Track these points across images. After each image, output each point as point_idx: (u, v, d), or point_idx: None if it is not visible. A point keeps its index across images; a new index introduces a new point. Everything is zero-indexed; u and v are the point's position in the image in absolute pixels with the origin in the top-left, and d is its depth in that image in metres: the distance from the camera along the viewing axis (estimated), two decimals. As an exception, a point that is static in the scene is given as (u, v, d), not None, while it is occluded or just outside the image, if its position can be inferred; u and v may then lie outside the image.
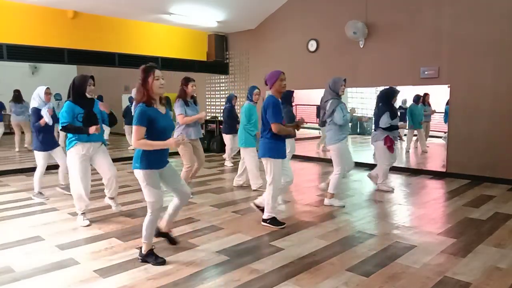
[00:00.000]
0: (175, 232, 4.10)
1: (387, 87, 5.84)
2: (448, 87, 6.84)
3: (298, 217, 4.62)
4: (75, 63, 9.36)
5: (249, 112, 5.75)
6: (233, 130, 7.59)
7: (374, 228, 4.24)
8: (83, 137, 4.16)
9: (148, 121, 2.99)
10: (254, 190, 5.84)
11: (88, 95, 4.26)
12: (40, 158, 5.32)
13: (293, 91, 6.71)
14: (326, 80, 8.37)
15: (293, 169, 6.92)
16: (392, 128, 5.48)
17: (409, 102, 8.83)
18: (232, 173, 7.43)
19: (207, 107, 11.11)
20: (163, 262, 3.24)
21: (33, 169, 7.60)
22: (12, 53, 7.18)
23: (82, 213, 4.34)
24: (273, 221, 4.21)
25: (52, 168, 7.84)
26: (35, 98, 5.19)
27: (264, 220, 4.24)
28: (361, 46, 7.76)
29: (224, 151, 8.48)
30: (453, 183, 6.40)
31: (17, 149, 10.06)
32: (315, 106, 10.35)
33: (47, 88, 5.32)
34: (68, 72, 15.03)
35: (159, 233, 3.58)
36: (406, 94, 9.60)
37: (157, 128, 3.03)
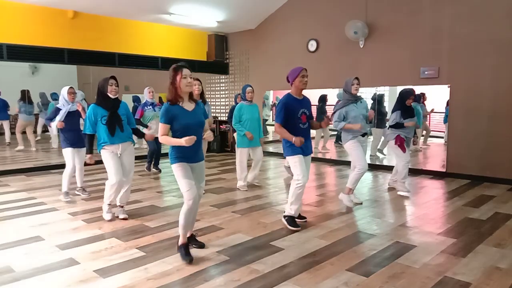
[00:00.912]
0: (177, 231, 4.11)
1: (406, 87, 5.76)
2: (448, 87, 6.84)
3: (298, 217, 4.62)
4: (75, 63, 9.34)
5: (238, 111, 5.83)
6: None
7: (374, 228, 4.24)
8: (110, 140, 4.25)
9: (170, 119, 3.16)
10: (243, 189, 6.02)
11: (111, 95, 4.26)
12: (68, 155, 5.30)
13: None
14: (326, 80, 8.48)
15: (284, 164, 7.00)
16: (398, 126, 5.42)
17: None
18: (234, 173, 7.43)
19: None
20: (189, 261, 3.28)
21: (33, 169, 7.66)
22: (12, 53, 7.17)
23: (109, 204, 4.46)
24: (289, 220, 4.18)
25: (52, 168, 7.87)
26: (61, 100, 5.26)
27: (284, 216, 4.25)
28: (361, 46, 7.76)
29: (224, 151, 8.48)
30: (453, 183, 6.40)
31: (21, 147, 10.09)
32: (315, 106, 10.37)
33: (70, 87, 5.32)
34: (68, 72, 15.03)
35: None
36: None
37: (180, 125, 3.17)
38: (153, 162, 7.44)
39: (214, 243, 3.77)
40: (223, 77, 10.70)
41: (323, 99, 9.50)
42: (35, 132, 11.35)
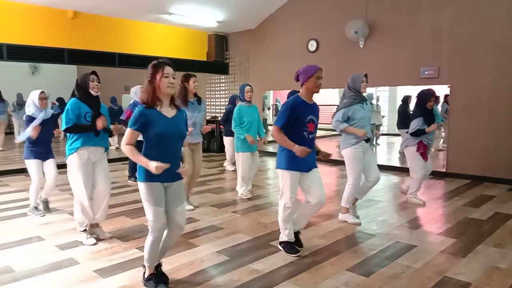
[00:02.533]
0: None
1: (424, 88, 5.19)
2: (448, 87, 6.84)
3: (298, 217, 4.62)
4: (75, 63, 9.36)
5: (238, 113, 5.41)
6: (233, 133, 7.54)
7: (374, 228, 4.23)
8: (89, 140, 3.66)
9: (143, 125, 2.60)
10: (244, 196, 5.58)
11: (93, 92, 3.71)
12: (33, 168, 4.60)
13: (299, 91, 6.57)
14: (326, 80, 8.43)
15: None
16: (420, 133, 4.87)
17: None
18: (234, 173, 7.42)
19: (207, 107, 11.11)
20: None
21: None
22: (12, 53, 7.17)
23: (84, 230, 3.79)
24: (286, 246, 3.54)
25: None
26: (30, 105, 4.51)
27: (280, 243, 3.61)
28: (361, 46, 7.75)
29: (224, 151, 8.43)
30: (453, 183, 6.40)
31: (0, 148, 10.21)
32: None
33: (42, 92, 4.56)
34: (68, 72, 15.05)
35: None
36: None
37: (155, 133, 2.62)
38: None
39: (214, 243, 3.77)
40: (223, 77, 10.71)
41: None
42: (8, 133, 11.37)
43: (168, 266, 3.25)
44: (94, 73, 3.75)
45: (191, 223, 4.39)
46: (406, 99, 8.64)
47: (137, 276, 3.08)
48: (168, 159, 2.60)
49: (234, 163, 7.36)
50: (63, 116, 3.68)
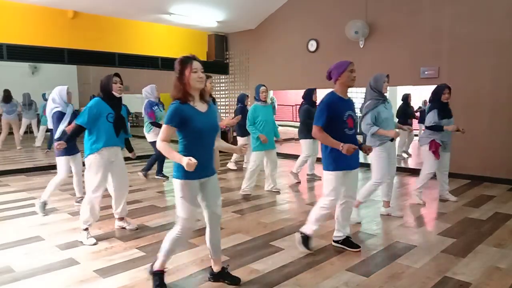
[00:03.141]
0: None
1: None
2: (448, 87, 6.83)
3: (298, 217, 4.62)
4: (75, 63, 9.36)
5: (253, 113, 5.50)
6: (247, 133, 7.56)
7: (374, 228, 4.23)
8: (110, 141, 3.76)
9: (180, 121, 2.57)
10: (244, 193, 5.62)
11: (116, 94, 3.83)
12: (62, 164, 4.80)
13: (314, 89, 6.58)
14: (326, 80, 8.43)
15: (291, 170, 6.98)
16: (436, 128, 4.89)
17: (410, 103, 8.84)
18: (234, 172, 7.43)
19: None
20: None
21: (33, 169, 7.65)
22: (12, 53, 7.17)
23: (86, 229, 3.82)
24: (303, 238, 3.56)
25: (52, 168, 7.86)
26: (56, 100, 4.70)
27: (301, 232, 3.60)
28: (361, 46, 7.75)
29: (224, 151, 8.43)
30: (453, 183, 6.39)
31: (19, 147, 10.18)
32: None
33: (68, 87, 4.90)
34: (68, 72, 15.06)
35: (214, 275, 3.00)
36: (425, 95, 9.64)
37: (192, 129, 2.59)
38: (150, 167, 6.90)
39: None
40: (223, 77, 10.70)
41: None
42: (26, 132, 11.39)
43: (168, 266, 3.25)
44: (117, 75, 3.86)
45: (191, 223, 4.39)
46: (406, 97, 8.66)
47: (137, 276, 3.08)
48: (204, 154, 2.63)
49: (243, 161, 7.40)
50: (82, 111, 3.77)
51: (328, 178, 3.40)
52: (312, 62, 8.61)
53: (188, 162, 2.39)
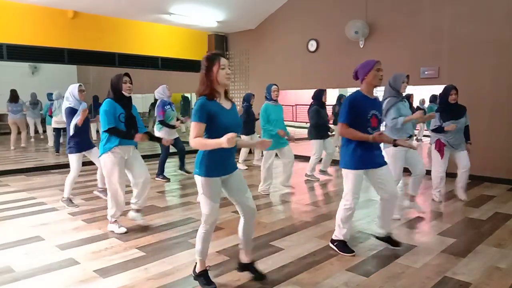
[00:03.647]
0: (177, 231, 4.11)
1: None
2: (448, 87, 6.84)
3: (298, 217, 4.62)
4: (75, 63, 9.36)
5: (265, 111, 5.53)
6: (251, 131, 7.57)
7: (374, 228, 4.23)
8: (123, 140, 3.88)
9: (208, 117, 2.59)
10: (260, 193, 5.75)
11: (126, 93, 3.94)
12: (74, 161, 4.94)
13: (324, 90, 6.63)
14: (326, 80, 8.48)
15: (293, 169, 6.98)
16: (437, 130, 4.98)
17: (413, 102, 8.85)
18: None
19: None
20: None
21: (33, 169, 7.65)
22: (12, 53, 7.18)
23: (115, 220, 4.09)
24: (339, 244, 3.56)
25: (52, 168, 7.87)
26: (69, 98, 4.87)
27: (332, 241, 3.63)
28: (361, 46, 7.75)
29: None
30: (453, 183, 6.39)
31: (12, 147, 10.18)
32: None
33: (80, 85, 5.01)
34: (68, 72, 15.02)
35: (241, 266, 3.07)
36: (424, 94, 9.67)
37: (219, 125, 2.61)
38: (163, 169, 6.91)
39: (214, 243, 3.76)
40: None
41: (340, 99, 9.53)
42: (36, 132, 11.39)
43: (168, 266, 3.26)
44: (127, 74, 3.95)
45: (191, 223, 4.39)
46: (408, 97, 8.66)
47: (137, 276, 3.08)
48: (226, 152, 2.64)
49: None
50: (101, 116, 3.86)
51: (348, 176, 3.39)
52: (312, 62, 8.61)
53: (228, 138, 2.39)
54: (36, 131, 12.19)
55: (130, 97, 4.01)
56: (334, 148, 6.94)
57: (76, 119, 4.82)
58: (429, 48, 6.95)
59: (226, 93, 2.75)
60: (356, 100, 3.33)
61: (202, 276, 2.89)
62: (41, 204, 5.23)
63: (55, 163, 8.26)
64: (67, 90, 4.96)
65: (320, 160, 6.86)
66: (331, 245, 3.61)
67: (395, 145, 3.43)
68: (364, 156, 3.31)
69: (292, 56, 8.94)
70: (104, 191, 5.14)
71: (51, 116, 9.48)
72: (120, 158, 3.92)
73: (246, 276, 3.06)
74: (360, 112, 3.30)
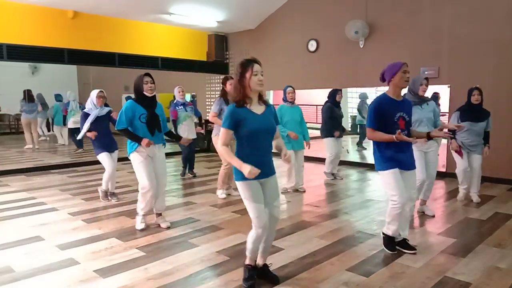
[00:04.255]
0: (177, 231, 4.12)
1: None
2: (448, 87, 6.84)
3: (298, 217, 4.62)
4: (75, 63, 9.36)
5: (279, 112, 5.50)
6: None
7: (374, 228, 4.23)
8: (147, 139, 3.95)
9: (236, 123, 2.65)
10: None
11: (148, 94, 3.98)
12: (104, 159, 5.11)
13: (340, 90, 6.61)
14: (326, 80, 8.48)
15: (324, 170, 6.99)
16: (452, 130, 4.74)
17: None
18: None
19: (207, 107, 11.11)
20: (248, 286, 2.87)
21: (33, 169, 7.65)
22: (12, 53, 7.17)
23: (143, 215, 4.21)
24: (386, 239, 3.58)
25: (52, 168, 7.87)
26: (89, 103, 5.07)
27: (383, 233, 3.62)
28: (361, 46, 7.75)
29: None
30: (453, 183, 6.39)
31: (30, 146, 10.18)
32: (315, 106, 10.38)
33: (100, 91, 5.10)
34: (68, 72, 15.03)
35: (258, 271, 3.02)
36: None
37: (247, 130, 2.65)
38: (187, 167, 7.11)
39: (214, 243, 3.77)
40: (223, 77, 10.69)
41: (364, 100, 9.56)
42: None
43: (168, 266, 3.26)
44: (148, 75, 4.00)
45: (191, 223, 4.40)
46: (436, 98, 8.61)
47: (137, 276, 3.08)
48: (260, 156, 2.69)
49: None
50: (118, 116, 3.98)
51: (386, 177, 3.37)
52: (312, 62, 8.61)
53: (250, 170, 2.48)
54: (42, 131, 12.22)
55: (153, 96, 4.05)
56: (341, 149, 6.90)
57: (87, 126, 4.99)
58: (429, 48, 6.94)
59: (260, 97, 2.75)
60: (381, 104, 3.34)
61: (247, 269, 2.93)
62: (41, 204, 5.23)
63: (55, 163, 8.26)
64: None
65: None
66: (382, 234, 3.61)
67: (429, 138, 3.44)
68: (395, 157, 3.34)
69: (292, 56, 8.94)
70: (113, 194, 5.40)
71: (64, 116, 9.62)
72: (146, 156, 4.01)
73: (246, 276, 3.06)
74: (386, 115, 3.31)
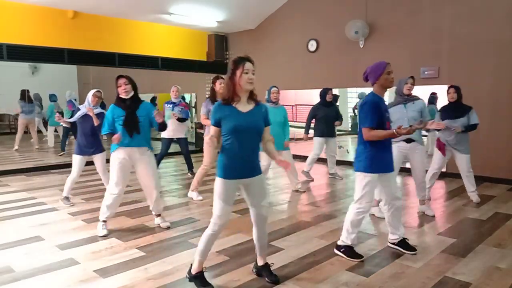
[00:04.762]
0: (177, 231, 4.12)
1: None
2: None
3: (298, 217, 4.62)
4: (75, 63, 9.35)
5: None
6: None
7: (374, 228, 4.23)
8: (122, 142, 3.86)
9: (219, 120, 2.65)
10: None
11: (123, 96, 3.94)
12: (75, 162, 5.03)
13: (330, 89, 6.64)
14: (326, 80, 8.47)
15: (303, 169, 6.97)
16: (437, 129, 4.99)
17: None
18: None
19: (207, 107, 11.12)
20: None
21: (33, 169, 7.66)
22: (12, 53, 7.17)
23: (103, 221, 4.05)
24: (347, 251, 3.44)
25: (52, 168, 7.87)
26: (86, 103, 5.00)
27: (338, 247, 3.50)
28: (361, 46, 7.75)
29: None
30: (453, 183, 6.39)
31: (16, 147, 10.13)
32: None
33: (97, 91, 5.03)
34: (68, 72, 15.00)
35: (258, 268, 3.06)
36: (424, 96, 9.64)
37: (226, 127, 2.63)
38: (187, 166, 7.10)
39: (214, 243, 3.76)
40: (223, 77, 10.69)
41: (335, 99, 9.51)
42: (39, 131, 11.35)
43: (168, 266, 3.26)
44: (121, 76, 3.98)
45: (191, 223, 4.39)
46: (433, 99, 8.62)
47: (137, 276, 3.08)
48: (243, 155, 2.65)
49: None
50: (103, 121, 4.06)
51: (364, 180, 3.30)
52: (312, 62, 8.61)
53: (210, 161, 2.45)
54: (39, 131, 12.18)
55: (134, 97, 3.98)
56: (335, 150, 6.92)
57: (65, 119, 5.08)
58: (429, 48, 6.94)
59: (251, 95, 2.73)
60: (377, 102, 3.29)
61: (198, 278, 2.87)
62: (41, 204, 5.23)
63: (55, 163, 8.26)
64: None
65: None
66: (336, 251, 3.47)
67: (412, 131, 3.31)
68: (381, 160, 3.29)
69: (292, 56, 8.94)
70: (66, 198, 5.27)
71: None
72: (123, 159, 3.94)
73: (246, 276, 3.07)
74: (382, 114, 3.28)
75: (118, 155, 3.94)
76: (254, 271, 3.10)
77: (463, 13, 6.57)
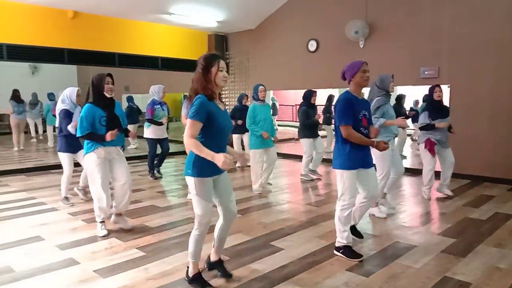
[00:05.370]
0: (177, 231, 4.12)
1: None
2: (448, 87, 6.84)
3: (298, 217, 4.62)
4: (75, 63, 9.36)
5: (252, 112, 5.65)
6: (236, 131, 7.61)
7: (374, 228, 4.23)
8: (107, 142, 3.83)
9: (207, 117, 2.55)
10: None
11: (107, 95, 3.88)
12: (65, 160, 5.01)
13: (315, 91, 6.64)
14: (326, 80, 8.48)
15: (291, 170, 6.98)
16: (427, 127, 5.10)
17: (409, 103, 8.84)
18: (234, 173, 7.43)
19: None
20: None
21: (33, 169, 7.65)
22: (12, 53, 7.17)
23: (101, 222, 4.04)
24: (345, 251, 3.43)
25: (52, 168, 7.86)
26: (65, 101, 4.90)
27: (337, 249, 3.49)
28: (361, 46, 7.75)
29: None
30: (453, 183, 6.38)
31: (16, 148, 10.12)
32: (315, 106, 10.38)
33: (78, 89, 5.03)
34: (68, 72, 15.03)
35: (210, 264, 3.10)
36: (419, 95, 9.65)
37: (217, 126, 2.61)
38: (154, 167, 7.07)
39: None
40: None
41: (330, 99, 9.53)
42: (26, 132, 11.31)
43: (168, 266, 3.26)
44: (109, 75, 3.91)
45: (191, 223, 4.37)
46: (400, 98, 8.66)
47: (137, 276, 3.08)
48: (221, 152, 2.58)
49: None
50: (79, 121, 3.83)
51: (343, 176, 3.32)
52: (312, 62, 8.61)
53: (224, 160, 2.37)
54: (36, 131, 12.18)
55: (111, 97, 3.96)
56: (324, 148, 6.97)
57: (71, 126, 4.78)
58: (429, 48, 6.94)
59: (219, 95, 2.76)
60: (351, 100, 3.33)
61: (196, 279, 2.87)
62: (41, 204, 5.23)
63: (55, 163, 8.25)
64: (63, 92, 5.00)
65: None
66: (336, 253, 3.46)
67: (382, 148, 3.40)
68: (357, 156, 3.32)
69: (292, 56, 8.94)
70: (83, 189, 5.40)
71: (54, 116, 9.47)
72: (104, 159, 3.89)
73: (246, 276, 3.07)
74: (354, 112, 3.30)
75: (98, 155, 3.85)
76: (205, 266, 3.08)
77: (463, 13, 6.57)
